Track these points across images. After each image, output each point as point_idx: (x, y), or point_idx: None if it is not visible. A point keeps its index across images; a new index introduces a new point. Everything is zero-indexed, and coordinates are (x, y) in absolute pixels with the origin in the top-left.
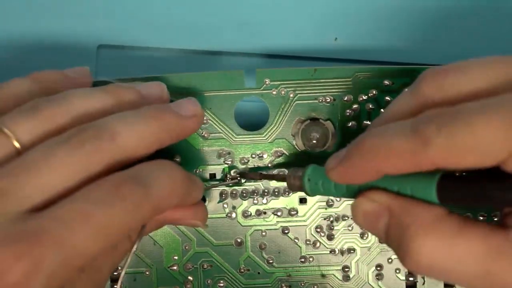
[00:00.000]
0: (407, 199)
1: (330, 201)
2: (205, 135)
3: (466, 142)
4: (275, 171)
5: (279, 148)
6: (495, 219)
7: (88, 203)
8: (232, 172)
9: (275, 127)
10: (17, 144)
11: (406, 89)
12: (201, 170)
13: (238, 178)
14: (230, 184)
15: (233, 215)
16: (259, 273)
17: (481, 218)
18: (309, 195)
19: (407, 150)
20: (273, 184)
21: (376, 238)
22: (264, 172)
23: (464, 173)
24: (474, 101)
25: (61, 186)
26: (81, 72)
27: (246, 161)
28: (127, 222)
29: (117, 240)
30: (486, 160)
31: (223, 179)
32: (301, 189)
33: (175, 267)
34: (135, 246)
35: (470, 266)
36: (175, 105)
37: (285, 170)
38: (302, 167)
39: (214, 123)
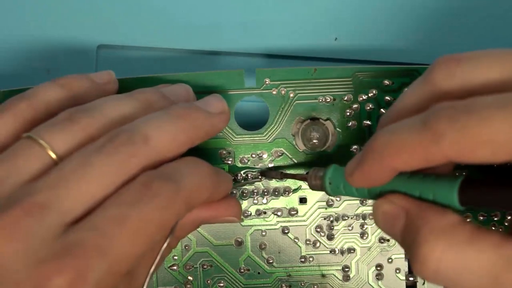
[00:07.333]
0: (425, 204)
1: (330, 201)
2: None
3: (480, 135)
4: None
5: (279, 148)
6: (495, 218)
7: (121, 206)
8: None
9: (275, 126)
10: (53, 155)
11: (419, 77)
12: None
13: (259, 177)
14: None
15: None
16: (259, 273)
17: (481, 218)
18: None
19: (418, 144)
20: (273, 184)
21: (376, 238)
22: (285, 172)
23: (485, 177)
24: (488, 95)
25: (100, 195)
26: (106, 77)
27: (246, 161)
28: (163, 218)
29: (156, 239)
30: (499, 154)
31: (245, 179)
32: (322, 189)
33: (175, 267)
34: (165, 244)
35: (478, 275)
36: (201, 103)
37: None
38: (323, 167)
39: None
